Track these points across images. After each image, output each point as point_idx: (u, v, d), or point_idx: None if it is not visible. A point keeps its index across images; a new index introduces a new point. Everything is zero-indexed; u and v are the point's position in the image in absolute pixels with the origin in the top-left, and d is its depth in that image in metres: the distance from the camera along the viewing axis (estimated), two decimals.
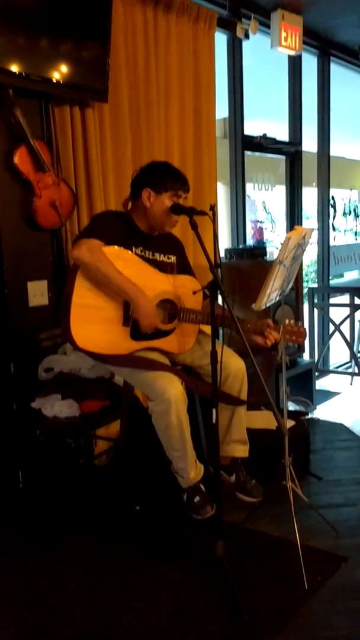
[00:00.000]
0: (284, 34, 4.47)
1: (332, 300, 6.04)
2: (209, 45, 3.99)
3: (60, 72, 2.95)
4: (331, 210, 6.09)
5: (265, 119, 5.58)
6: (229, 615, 2.09)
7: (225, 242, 4.77)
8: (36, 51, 2.84)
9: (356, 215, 7.02)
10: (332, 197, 6.10)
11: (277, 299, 2.64)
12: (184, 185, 2.49)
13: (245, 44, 4.52)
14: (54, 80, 2.93)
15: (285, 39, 4.50)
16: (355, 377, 5.62)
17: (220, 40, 4.39)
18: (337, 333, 5.62)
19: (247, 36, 4.36)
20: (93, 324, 2.37)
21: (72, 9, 2.94)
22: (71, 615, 2.14)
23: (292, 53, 4.74)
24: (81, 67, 3.03)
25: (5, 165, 2.92)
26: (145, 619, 2.11)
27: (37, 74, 2.86)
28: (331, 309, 5.85)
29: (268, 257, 4.31)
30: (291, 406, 4.34)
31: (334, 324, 5.63)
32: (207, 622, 2.08)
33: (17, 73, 2.77)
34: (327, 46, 5.41)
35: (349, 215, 6.93)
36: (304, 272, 6.19)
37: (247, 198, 4.92)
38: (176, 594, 2.23)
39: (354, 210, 7.00)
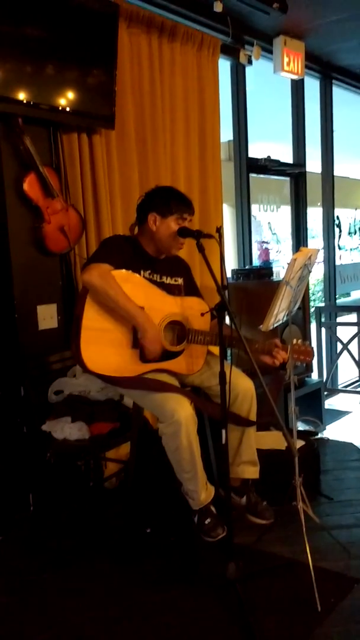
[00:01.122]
0: (286, 59, 4.55)
1: (339, 319, 6.04)
2: (213, 72, 4.08)
3: (67, 100, 3.01)
4: (336, 229, 6.13)
5: (270, 141, 5.66)
6: (241, 638, 2.07)
7: (231, 262, 4.81)
8: (44, 79, 2.91)
9: None
10: (337, 217, 6.14)
11: (285, 319, 2.66)
12: (189, 208, 2.53)
13: (249, 69, 4.60)
14: (62, 108, 3.00)
15: (288, 64, 4.58)
16: None
17: (224, 65, 4.48)
18: (345, 352, 5.62)
19: (250, 62, 4.44)
20: (103, 347, 2.40)
21: (79, 38, 3.01)
22: (82, 637, 2.13)
23: (295, 77, 4.82)
24: (88, 95, 3.10)
25: (15, 192, 2.97)
26: None
27: (45, 102, 2.93)
28: (338, 327, 5.85)
29: (275, 277, 4.33)
30: (301, 426, 4.33)
31: (341, 342, 5.63)
32: None
33: (25, 102, 2.84)
34: (329, 70, 5.50)
35: (355, 234, 6.97)
36: (310, 292, 6.20)
37: (252, 219, 4.96)
38: (187, 617, 2.22)
39: (359, 229, 7.03)
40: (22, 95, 2.82)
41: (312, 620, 2.16)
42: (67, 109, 3.01)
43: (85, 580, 2.50)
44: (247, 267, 4.65)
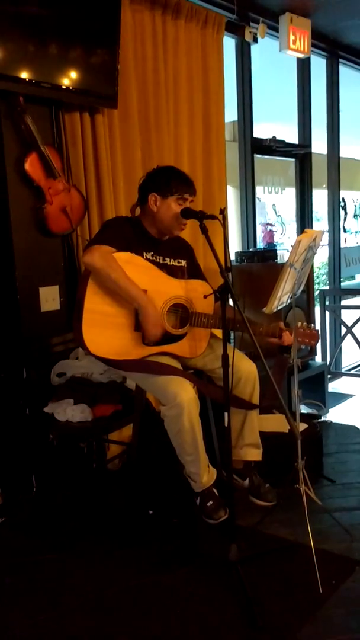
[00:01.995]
0: (292, 37, 4.48)
1: (343, 302, 6.02)
2: (218, 50, 4.01)
3: (69, 79, 2.97)
4: (342, 212, 6.07)
5: (275, 121, 5.59)
6: (243, 620, 2.08)
7: (235, 245, 4.77)
8: (46, 58, 2.86)
9: None
10: (343, 199, 6.09)
11: (288, 301, 2.63)
12: (190, 188, 2.49)
13: (254, 48, 4.53)
14: (64, 87, 2.95)
15: (294, 42, 4.51)
16: None
17: (229, 44, 4.40)
18: (349, 335, 5.60)
19: (255, 40, 4.37)
20: (105, 329, 2.38)
21: (81, 16, 2.96)
22: (84, 619, 2.14)
23: (301, 56, 4.75)
24: (91, 73, 3.05)
25: (16, 172, 2.94)
26: (159, 623, 2.11)
27: (47, 80, 2.88)
28: (343, 311, 5.83)
29: (279, 260, 4.30)
30: (304, 409, 4.32)
31: (345, 326, 5.61)
32: (221, 626, 2.08)
33: (27, 80, 2.79)
34: (335, 48, 5.41)
35: None
36: (315, 275, 6.17)
37: (257, 201, 4.92)
38: (189, 598, 2.23)
39: None
40: (23, 74, 2.77)
41: (314, 602, 2.16)
42: (69, 88, 2.97)
43: (88, 562, 2.51)
44: (251, 250, 4.62)
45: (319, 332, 2.61)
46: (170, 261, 2.56)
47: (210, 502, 2.41)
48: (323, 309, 5.58)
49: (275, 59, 4.86)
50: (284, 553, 2.49)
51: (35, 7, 2.78)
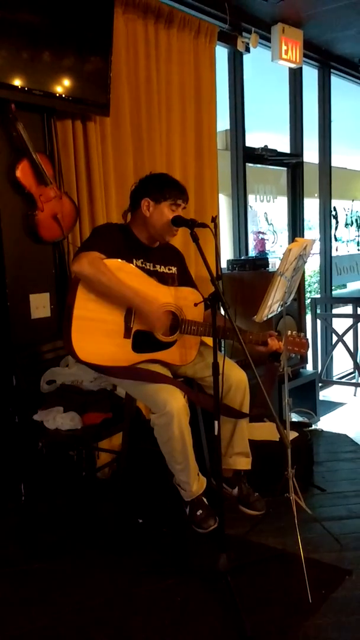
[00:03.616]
0: (284, 47, 4.51)
1: (334, 311, 6.04)
2: (210, 59, 4.03)
3: (62, 86, 2.97)
4: (333, 221, 6.10)
5: (267, 130, 5.62)
6: (232, 630, 2.07)
7: (227, 253, 4.78)
8: (38, 65, 2.87)
9: (358, 226, 7.03)
10: (334, 208, 6.11)
11: (279, 310, 2.64)
12: (183, 195, 2.50)
13: (246, 57, 4.56)
14: (56, 95, 2.96)
15: (286, 52, 4.54)
16: (358, 388, 5.60)
17: (221, 53, 4.43)
18: (340, 344, 5.61)
19: (247, 50, 4.39)
20: (95, 336, 2.37)
21: (74, 24, 2.97)
22: (72, 629, 2.12)
23: (293, 66, 4.78)
24: (83, 81, 3.06)
25: (7, 179, 2.94)
26: (148, 633, 2.09)
27: (39, 88, 2.88)
28: (334, 319, 5.84)
29: (270, 268, 4.31)
30: (295, 417, 4.32)
31: (337, 334, 5.62)
32: (210, 636, 2.06)
33: (19, 87, 2.80)
34: (327, 59, 5.45)
35: (351, 225, 6.94)
36: (306, 283, 6.19)
37: (249, 209, 4.93)
38: (178, 607, 2.22)
39: (356, 220, 7.01)
40: (15, 81, 2.78)
41: (304, 611, 2.16)
42: (62, 95, 2.97)
43: (77, 571, 2.49)
44: (242, 258, 4.62)
45: (309, 341, 2.61)
46: (160, 268, 2.56)
47: (200, 511, 2.40)
48: (314, 317, 5.60)
49: (268, 69, 4.89)
50: (273, 562, 2.48)
51: (28, 15, 2.79)
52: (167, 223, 2.45)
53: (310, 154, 5.62)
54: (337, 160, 6.02)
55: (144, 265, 2.49)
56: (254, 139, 4.81)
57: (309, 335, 5.34)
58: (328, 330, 5.79)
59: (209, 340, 2.52)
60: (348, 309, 5.77)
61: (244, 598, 2.18)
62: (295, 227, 5.52)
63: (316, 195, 5.88)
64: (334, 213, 6.10)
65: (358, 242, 7.09)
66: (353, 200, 7.00)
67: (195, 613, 2.18)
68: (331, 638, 2.03)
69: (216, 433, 2.24)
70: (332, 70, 5.63)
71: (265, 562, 2.49)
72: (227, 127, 4.67)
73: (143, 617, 2.17)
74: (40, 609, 2.25)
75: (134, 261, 2.45)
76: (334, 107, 5.74)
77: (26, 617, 2.20)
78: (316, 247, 5.84)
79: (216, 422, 2.23)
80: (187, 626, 2.12)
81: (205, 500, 2.44)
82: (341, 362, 6.17)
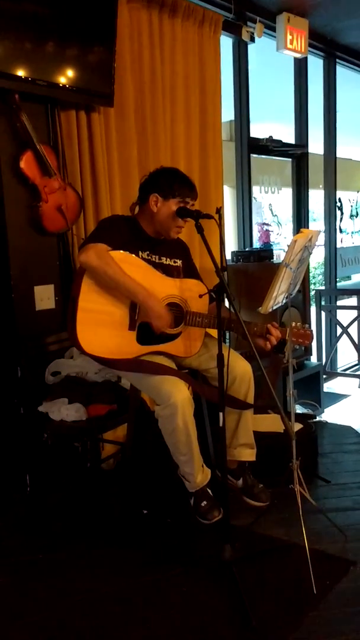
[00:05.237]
0: (289, 37, 4.47)
1: (339, 303, 6.02)
2: (215, 49, 4.00)
3: (66, 77, 2.96)
4: (338, 212, 6.07)
5: (272, 121, 5.59)
6: (237, 620, 2.08)
7: (232, 244, 4.77)
8: (42, 56, 2.85)
9: None
10: (339, 199, 6.08)
11: (284, 301, 2.63)
12: (192, 192, 2.48)
13: (251, 47, 4.53)
14: (60, 85, 2.94)
15: (291, 42, 4.50)
16: None
17: (226, 43, 4.40)
18: (344, 335, 5.60)
19: (252, 39, 4.36)
20: (99, 328, 2.37)
21: (78, 14, 2.95)
22: (78, 619, 2.14)
23: (298, 56, 4.74)
24: (87, 72, 3.04)
25: (11, 170, 2.92)
26: (153, 623, 2.10)
27: (43, 78, 2.87)
28: (338, 311, 5.83)
29: (275, 260, 4.30)
30: (299, 409, 4.32)
31: (341, 326, 5.61)
32: (215, 626, 2.07)
33: (23, 78, 2.78)
34: (332, 49, 5.41)
35: (356, 217, 6.91)
36: (311, 275, 6.16)
37: (253, 201, 4.91)
38: (183, 598, 2.23)
39: None
40: (19, 71, 2.76)
41: (308, 602, 2.16)
42: (66, 86, 2.96)
43: (81, 561, 2.50)
44: (247, 249, 4.61)
45: (314, 332, 2.61)
46: (165, 260, 2.55)
47: (204, 502, 2.41)
48: (319, 309, 5.59)
49: (273, 59, 4.85)
50: (278, 553, 2.49)
51: (32, 5, 2.77)
52: (172, 217, 2.44)
53: (315, 145, 5.59)
54: (342, 151, 5.99)
55: (149, 257, 2.49)
56: (258, 130, 4.79)
57: (313, 327, 5.33)
58: (332, 322, 5.78)
59: (213, 332, 2.52)
60: (353, 300, 5.75)
61: (249, 588, 2.18)
62: (300, 218, 5.50)
63: (321, 186, 5.85)
64: (338, 204, 6.07)
65: None
66: (358, 192, 6.97)
67: (200, 603, 2.19)
68: (336, 629, 2.04)
69: (221, 424, 2.24)
70: (337, 60, 5.59)
71: (270, 553, 2.50)
72: (232, 117, 4.65)
73: (148, 607, 2.18)
74: (45, 599, 2.26)
75: (140, 253, 2.45)
76: (339, 97, 5.71)
77: (31, 608, 2.21)
78: (321, 239, 5.81)
79: (221, 414, 2.23)
80: (192, 616, 2.13)
81: (209, 491, 2.45)
82: (346, 354, 6.16)
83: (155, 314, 2.35)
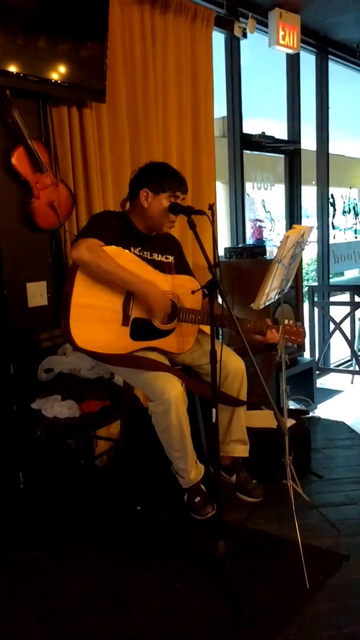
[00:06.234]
0: (281, 33, 4.47)
1: (332, 299, 6.04)
2: (207, 45, 3.99)
3: (57, 73, 2.94)
4: (331, 208, 6.08)
5: (264, 117, 5.58)
6: (230, 615, 2.08)
7: (225, 240, 4.77)
8: (34, 51, 2.84)
9: (356, 214, 7.02)
10: (332, 196, 6.09)
11: (277, 297, 2.63)
12: (182, 186, 2.48)
13: (243, 43, 4.52)
14: (52, 81, 2.93)
15: (283, 38, 4.50)
16: (356, 375, 5.62)
17: (218, 39, 4.39)
18: (337, 331, 5.62)
19: (244, 35, 4.35)
20: (92, 324, 2.37)
21: (69, 9, 2.93)
22: (72, 616, 2.14)
23: (290, 51, 4.74)
24: (79, 68, 3.02)
25: (3, 166, 2.91)
26: (146, 618, 2.10)
27: (35, 74, 2.85)
28: (331, 307, 5.85)
29: (268, 256, 4.30)
30: (292, 405, 4.33)
31: (334, 322, 5.63)
32: (208, 621, 2.08)
33: (14, 73, 2.77)
34: (325, 44, 5.41)
35: (349, 213, 6.93)
36: (304, 271, 6.18)
37: (246, 197, 4.91)
38: (177, 593, 2.23)
39: (354, 208, 6.99)
40: (10, 67, 2.75)
41: (301, 597, 2.17)
42: (57, 81, 2.94)
43: (75, 558, 2.50)
44: (240, 245, 4.61)
45: (307, 329, 2.61)
46: (157, 257, 2.55)
47: (198, 498, 2.41)
48: (312, 305, 5.60)
49: (265, 55, 4.85)
50: (271, 549, 2.50)
51: (23, 1, 2.75)
52: (164, 213, 2.44)
53: (308, 141, 5.59)
54: (335, 147, 5.99)
55: (141, 253, 2.48)
56: (251, 126, 4.78)
57: (306, 323, 5.35)
58: (325, 318, 5.79)
59: (206, 328, 2.52)
60: (345, 296, 5.77)
61: (242, 584, 2.19)
62: (293, 214, 5.50)
63: (314, 182, 5.86)
64: (331, 200, 6.08)
65: (355, 230, 7.08)
66: (351, 188, 6.99)
67: (193, 599, 2.20)
68: (329, 623, 2.05)
69: (214, 421, 2.24)
70: (329, 57, 5.59)
71: (263, 548, 2.50)
72: (224, 113, 4.64)
73: (142, 603, 2.19)
74: (39, 596, 2.26)
75: (132, 249, 2.44)
76: (331, 93, 5.71)
77: (25, 604, 2.21)
78: (314, 235, 5.83)
79: (214, 410, 2.24)
80: (186, 612, 2.13)
81: (203, 487, 2.45)
82: (338, 350, 6.18)
83: (154, 297, 2.35)
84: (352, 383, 5.57)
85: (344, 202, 6.81)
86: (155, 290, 2.36)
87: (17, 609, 2.19)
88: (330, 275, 6.11)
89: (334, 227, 6.35)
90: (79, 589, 2.29)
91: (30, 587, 2.32)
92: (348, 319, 5.63)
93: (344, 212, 6.84)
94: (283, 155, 5.40)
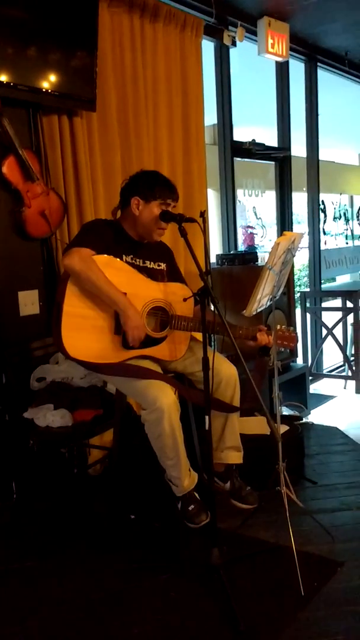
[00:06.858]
0: (270, 41, 4.49)
1: (324, 304, 6.05)
2: (196, 53, 4.01)
3: (48, 82, 2.95)
4: (321, 214, 6.11)
5: (254, 125, 5.60)
6: (225, 623, 2.08)
7: (216, 247, 4.78)
8: (24, 61, 2.84)
9: (347, 219, 7.05)
10: (322, 202, 6.12)
11: (268, 304, 2.64)
12: (173, 194, 2.49)
13: (233, 51, 4.54)
14: (42, 90, 2.93)
15: (272, 46, 4.52)
16: (348, 381, 5.63)
17: (208, 47, 4.41)
18: (329, 337, 5.63)
19: (234, 43, 4.38)
20: (84, 333, 2.37)
21: (60, 18, 2.95)
22: (66, 626, 2.12)
23: (279, 59, 4.77)
24: (69, 76, 3.03)
25: None
26: (141, 628, 2.09)
27: (25, 83, 2.86)
28: (323, 312, 5.86)
29: (259, 262, 4.31)
30: (285, 411, 4.34)
31: (326, 327, 5.64)
32: (203, 630, 2.07)
33: (4, 82, 2.77)
34: (314, 52, 5.45)
35: (340, 219, 6.95)
36: (295, 277, 6.19)
37: (237, 204, 4.93)
38: (172, 602, 2.22)
39: (344, 214, 7.02)
40: (1, 77, 2.75)
41: (296, 604, 2.17)
42: (48, 90, 2.95)
43: (69, 568, 2.49)
44: (231, 252, 4.62)
45: (299, 334, 2.62)
46: (149, 264, 2.55)
47: (192, 506, 2.40)
48: (304, 311, 5.61)
49: (254, 63, 4.87)
50: (265, 556, 2.49)
51: (13, 10, 2.76)
52: (155, 221, 2.45)
53: (298, 148, 5.62)
54: (325, 153, 6.03)
55: (133, 261, 2.48)
56: (241, 133, 4.80)
57: (298, 329, 5.36)
58: (318, 323, 5.80)
59: (199, 336, 2.52)
60: (337, 302, 5.78)
61: (237, 592, 2.19)
62: (284, 221, 5.52)
63: (304, 189, 5.88)
64: (322, 207, 6.11)
65: (346, 236, 7.11)
66: (341, 194, 7.02)
67: (188, 608, 2.19)
68: (324, 630, 2.05)
69: (207, 428, 2.24)
70: (318, 64, 5.63)
71: (258, 555, 2.50)
72: (215, 121, 4.66)
73: (137, 612, 2.18)
74: (33, 606, 2.24)
75: (124, 257, 2.45)
76: (321, 100, 5.75)
77: (18, 615, 2.19)
78: (305, 241, 5.85)
79: (207, 417, 2.23)
80: (181, 620, 2.12)
81: (197, 495, 2.44)
82: (331, 356, 6.19)
83: (132, 324, 2.34)
84: (345, 388, 5.57)
85: (335, 208, 6.84)
86: (136, 317, 2.35)
87: (9, 620, 2.17)
88: (322, 281, 6.13)
89: (325, 233, 6.37)
90: (72, 598, 2.27)
91: (23, 597, 2.30)
92: (340, 325, 5.64)
93: (335, 218, 6.86)
94: (274, 162, 5.43)
